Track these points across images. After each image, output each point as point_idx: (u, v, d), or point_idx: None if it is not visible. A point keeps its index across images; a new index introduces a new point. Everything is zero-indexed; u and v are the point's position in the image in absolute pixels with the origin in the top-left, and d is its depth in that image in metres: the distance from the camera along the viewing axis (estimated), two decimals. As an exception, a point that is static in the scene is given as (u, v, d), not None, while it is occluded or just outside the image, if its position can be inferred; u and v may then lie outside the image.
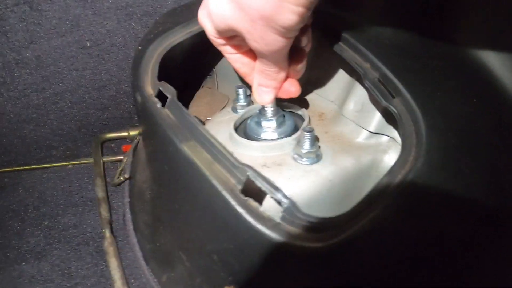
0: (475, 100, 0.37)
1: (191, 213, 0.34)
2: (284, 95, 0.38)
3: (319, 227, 0.27)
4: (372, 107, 0.40)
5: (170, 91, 0.37)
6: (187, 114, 0.33)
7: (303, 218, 0.27)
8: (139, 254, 0.51)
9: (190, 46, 0.45)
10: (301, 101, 0.46)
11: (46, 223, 0.57)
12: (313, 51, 0.47)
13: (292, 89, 0.38)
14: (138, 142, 0.59)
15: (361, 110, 0.41)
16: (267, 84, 0.37)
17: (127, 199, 0.55)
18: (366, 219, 0.26)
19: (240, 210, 0.27)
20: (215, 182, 0.29)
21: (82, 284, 0.50)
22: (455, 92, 0.36)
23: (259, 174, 0.28)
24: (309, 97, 0.46)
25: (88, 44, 0.55)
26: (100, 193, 0.56)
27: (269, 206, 0.29)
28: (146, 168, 0.49)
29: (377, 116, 0.39)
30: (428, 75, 0.36)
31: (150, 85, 0.40)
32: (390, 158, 0.39)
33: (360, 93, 0.41)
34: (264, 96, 0.37)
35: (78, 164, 0.63)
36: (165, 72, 0.42)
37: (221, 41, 0.34)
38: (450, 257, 0.28)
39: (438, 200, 0.28)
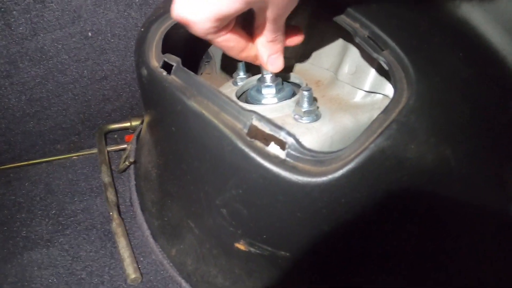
0: (461, 54, 0.39)
1: (200, 168, 0.35)
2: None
3: (324, 161, 0.29)
4: (365, 68, 0.42)
5: (174, 60, 0.39)
6: (193, 75, 0.35)
7: (308, 153, 0.29)
8: (147, 232, 0.52)
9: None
10: (297, 72, 0.48)
11: (54, 211, 0.58)
12: (307, 26, 0.50)
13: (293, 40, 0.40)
14: (141, 130, 0.61)
15: (355, 72, 0.43)
16: (276, 49, 0.38)
17: (132, 183, 0.57)
18: (369, 150, 0.28)
19: (247, 150, 0.29)
20: (222, 127, 0.30)
21: (91, 266, 0.51)
22: (441, 46, 0.39)
23: (263, 117, 0.30)
24: (304, 68, 0.48)
25: (90, 35, 0.57)
26: (106, 178, 0.58)
27: (274, 150, 0.31)
28: (152, 148, 0.50)
29: (371, 76, 0.41)
30: (414, 32, 0.39)
31: (155, 59, 0.42)
32: (386, 114, 0.41)
33: (353, 57, 0.43)
34: (277, 62, 0.38)
35: (82, 155, 0.64)
36: (167, 49, 0.44)
37: (215, 29, 0.32)
38: (447, 180, 0.30)
39: (432, 129, 0.30)
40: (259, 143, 0.30)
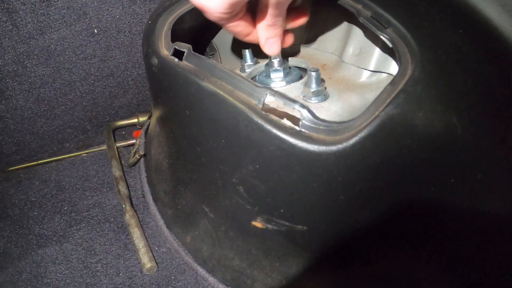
0: (460, 31, 0.41)
1: (215, 148, 0.36)
2: (284, 44, 0.42)
3: (337, 130, 0.30)
4: (369, 48, 0.43)
5: (185, 47, 0.40)
6: (205, 58, 0.36)
7: (322, 124, 0.30)
8: (160, 222, 0.52)
9: (194, 17, 0.49)
10: (303, 57, 0.49)
11: (66, 208, 0.58)
12: (311, 12, 0.51)
13: (290, 38, 0.42)
14: (149, 125, 0.62)
15: (359, 54, 0.44)
16: (274, 34, 0.40)
17: (144, 175, 0.57)
18: (379, 118, 0.29)
19: (263, 123, 0.30)
20: (237, 104, 0.31)
21: (106, 258, 0.52)
22: (442, 24, 0.40)
23: (277, 92, 0.31)
24: (310, 53, 0.50)
25: (96, 32, 0.58)
26: (117, 172, 0.58)
27: (289, 123, 0.32)
28: (162, 140, 0.51)
29: (375, 55, 0.43)
30: (415, 11, 0.40)
31: (164, 48, 0.43)
32: (392, 92, 0.42)
33: (357, 38, 0.44)
34: (274, 46, 0.40)
35: (91, 152, 0.65)
36: (176, 39, 0.45)
37: (229, 15, 0.34)
38: (455, 146, 0.31)
39: (437, 98, 0.31)
40: (274, 117, 0.31)
